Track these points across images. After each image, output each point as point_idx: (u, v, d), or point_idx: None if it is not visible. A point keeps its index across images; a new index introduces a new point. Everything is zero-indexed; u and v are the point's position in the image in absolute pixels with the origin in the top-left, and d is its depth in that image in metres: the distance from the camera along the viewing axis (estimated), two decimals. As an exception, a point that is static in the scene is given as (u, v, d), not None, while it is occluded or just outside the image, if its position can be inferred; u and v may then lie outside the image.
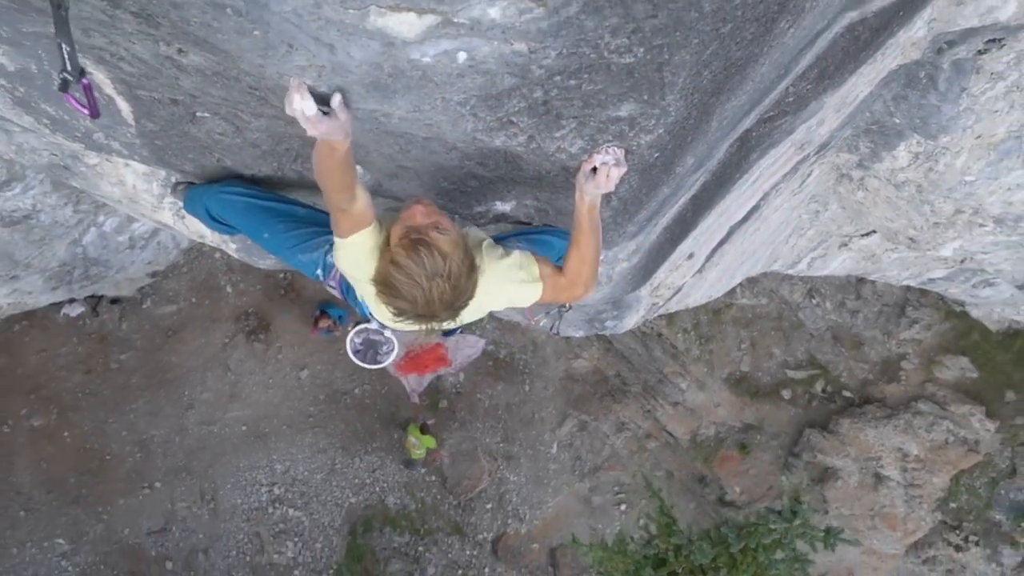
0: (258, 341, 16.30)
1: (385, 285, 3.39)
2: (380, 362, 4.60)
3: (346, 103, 3.04)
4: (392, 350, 4.55)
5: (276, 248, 4.66)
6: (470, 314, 3.81)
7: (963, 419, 15.79)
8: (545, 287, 4.01)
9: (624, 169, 3.48)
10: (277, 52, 2.81)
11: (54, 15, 2.50)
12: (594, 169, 3.48)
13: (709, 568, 8.93)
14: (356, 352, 4.58)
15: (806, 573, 8.95)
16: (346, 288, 4.46)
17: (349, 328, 4.67)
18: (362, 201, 3.52)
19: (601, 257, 4.04)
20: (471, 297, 3.51)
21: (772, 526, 8.76)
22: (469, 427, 16.85)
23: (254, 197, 4.61)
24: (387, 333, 4.45)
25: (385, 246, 3.50)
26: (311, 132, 2.97)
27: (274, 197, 4.64)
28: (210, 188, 4.84)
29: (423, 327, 3.51)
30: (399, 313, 3.43)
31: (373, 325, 4.41)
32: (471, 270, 3.44)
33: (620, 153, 3.44)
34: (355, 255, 3.68)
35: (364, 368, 4.86)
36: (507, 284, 3.93)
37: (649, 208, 4.34)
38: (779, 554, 8.92)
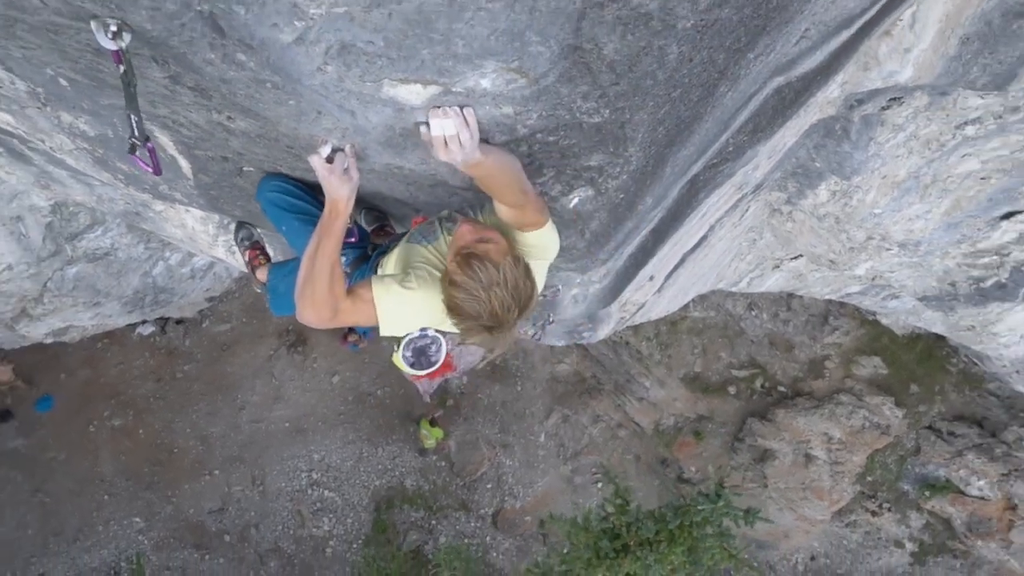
0: (297, 353, 16.28)
1: (451, 309, 2.96)
2: (435, 362, 4.07)
3: (355, 160, 2.99)
4: (441, 345, 3.99)
5: (293, 241, 4.04)
6: None
7: (876, 408, 15.79)
8: (513, 225, 3.21)
9: (469, 133, 2.63)
10: (308, 117, 2.80)
11: (124, 91, 2.51)
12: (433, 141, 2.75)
13: (654, 541, 8.94)
14: (412, 364, 4.08)
15: (732, 546, 8.94)
16: None
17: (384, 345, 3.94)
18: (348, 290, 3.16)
19: (521, 171, 2.97)
20: (532, 298, 3.00)
21: (700, 507, 8.76)
22: (472, 421, 16.80)
23: (290, 193, 3.90)
24: (430, 332, 3.83)
25: (444, 274, 3.05)
26: (324, 176, 2.90)
27: (309, 199, 3.93)
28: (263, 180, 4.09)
29: (494, 337, 2.97)
30: (468, 331, 2.98)
31: (415, 333, 3.78)
32: (527, 272, 2.97)
33: (467, 114, 2.63)
34: (407, 310, 3.27)
35: (422, 376, 4.28)
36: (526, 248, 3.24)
37: (616, 239, 4.34)
38: (708, 530, 8.91)
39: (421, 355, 3.90)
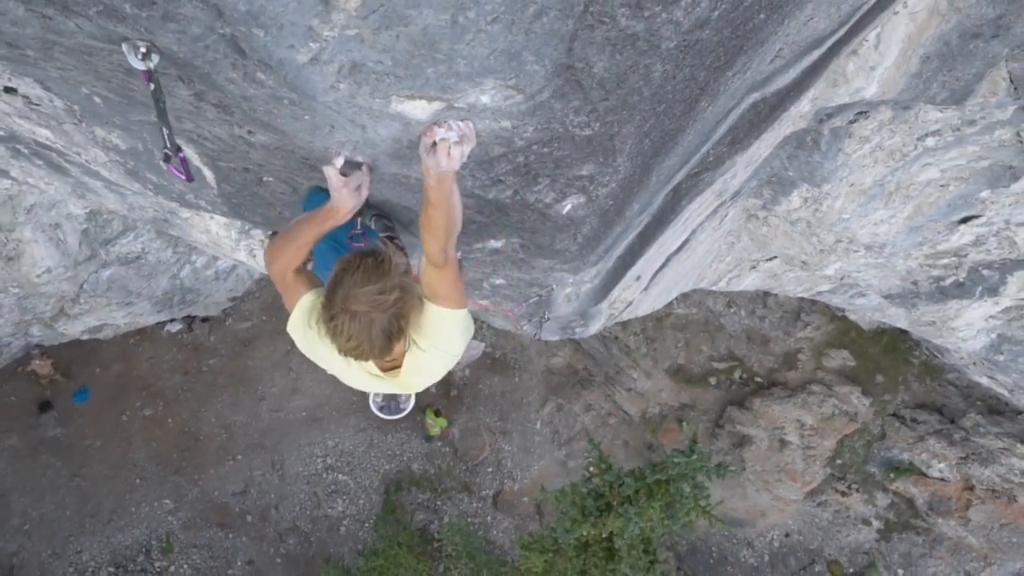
0: (314, 348, 16.27)
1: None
2: (404, 410, 3.71)
3: (368, 180, 2.99)
4: (410, 396, 3.52)
5: (318, 263, 3.77)
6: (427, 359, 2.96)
7: (845, 397, 15.79)
8: (426, 290, 2.89)
9: (471, 145, 2.64)
10: (322, 131, 2.80)
11: (155, 107, 2.52)
12: (436, 144, 2.61)
13: (634, 498, 8.94)
14: (381, 409, 3.68)
15: (706, 499, 8.93)
16: None
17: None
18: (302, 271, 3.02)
19: (456, 232, 2.80)
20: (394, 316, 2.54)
21: (676, 460, 8.75)
22: (473, 410, 16.77)
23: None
24: None
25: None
26: (336, 187, 2.86)
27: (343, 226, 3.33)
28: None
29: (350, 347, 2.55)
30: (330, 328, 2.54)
31: None
32: (397, 310, 2.54)
33: (467, 128, 2.62)
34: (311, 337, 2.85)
35: (390, 420, 3.83)
36: (420, 317, 2.85)
37: (606, 243, 4.33)
38: (684, 485, 8.91)
39: (391, 401, 3.63)
